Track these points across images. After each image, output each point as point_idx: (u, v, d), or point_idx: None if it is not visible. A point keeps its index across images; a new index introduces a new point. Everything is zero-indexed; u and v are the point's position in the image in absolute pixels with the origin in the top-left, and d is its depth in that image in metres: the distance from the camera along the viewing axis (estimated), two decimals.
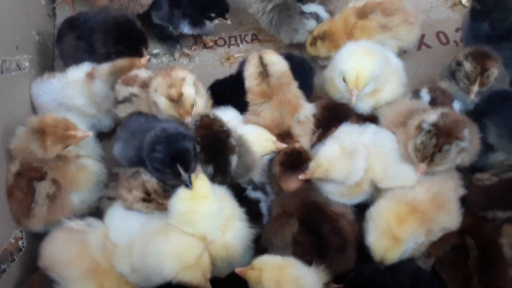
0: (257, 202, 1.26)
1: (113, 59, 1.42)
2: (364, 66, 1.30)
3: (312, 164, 1.24)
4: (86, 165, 1.25)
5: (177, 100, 1.21)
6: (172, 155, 1.12)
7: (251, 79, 1.36)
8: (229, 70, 1.71)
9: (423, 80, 1.60)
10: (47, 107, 1.37)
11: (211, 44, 1.76)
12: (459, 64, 1.35)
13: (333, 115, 1.41)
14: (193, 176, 1.13)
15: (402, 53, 1.68)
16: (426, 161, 1.18)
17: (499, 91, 1.33)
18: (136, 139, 1.19)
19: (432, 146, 1.16)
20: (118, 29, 1.49)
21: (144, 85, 1.30)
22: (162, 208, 1.16)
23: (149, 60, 1.58)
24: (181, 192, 1.13)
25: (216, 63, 1.74)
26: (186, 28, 1.65)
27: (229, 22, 1.64)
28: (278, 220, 1.22)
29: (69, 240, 1.17)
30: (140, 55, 1.46)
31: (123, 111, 1.32)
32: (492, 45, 1.37)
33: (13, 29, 1.42)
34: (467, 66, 1.32)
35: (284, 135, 1.35)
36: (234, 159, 1.20)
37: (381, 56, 1.37)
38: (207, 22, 1.64)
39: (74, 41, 1.52)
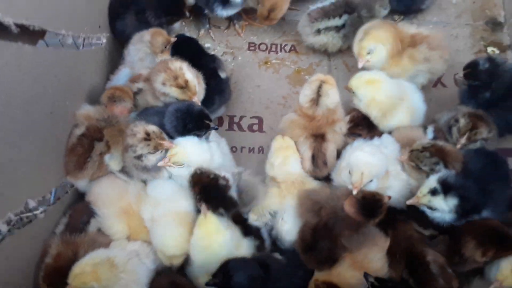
0: (258, 229, 1.49)
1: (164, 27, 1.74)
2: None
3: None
4: None
5: (185, 86, 1.50)
6: (198, 114, 1.46)
7: (304, 100, 1.58)
8: (264, 73, 1.99)
9: (430, 115, 1.76)
10: None
11: (240, 33, 2.02)
12: (456, 120, 1.56)
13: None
14: (202, 216, 1.36)
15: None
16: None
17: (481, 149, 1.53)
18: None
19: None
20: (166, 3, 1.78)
21: (147, 79, 1.57)
22: (160, 147, 1.41)
23: None
24: (197, 233, 1.35)
25: (254, 65, 2.00)
26: (219, 10, 1.84)
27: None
28: None
29: (113, 185, 1.48)
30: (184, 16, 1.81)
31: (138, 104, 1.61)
32: (486, 107, 1.59)
33: (99, 10, 1.74)
34: (462, 121, 1.54)
35: (318, 136, 1.58)
36: (233, 193, 1.41)
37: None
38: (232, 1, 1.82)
39: (134, 18, 1.76)
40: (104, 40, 1.74)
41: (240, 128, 1.87)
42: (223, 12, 1.88)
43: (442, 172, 1.43)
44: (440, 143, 1.50)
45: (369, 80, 1.58)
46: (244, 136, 1.84)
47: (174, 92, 1.52)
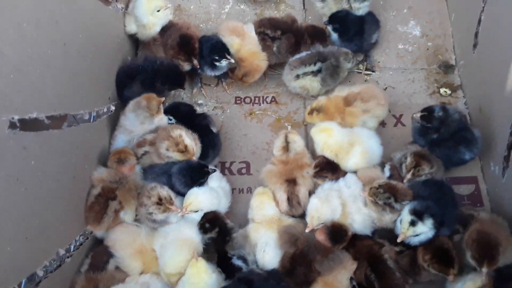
0: (240, 268, 1.77)
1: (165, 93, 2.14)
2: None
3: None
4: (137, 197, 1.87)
5: (185, 150, 1.85)
6: (198, 167, 1.88)
7: (276, 149, 1.97)
8: (250, 123, 2.32)
9: (391, 152, 2.05)
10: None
11: (227, 89, 2.37)
12: (405, 158, 1.88)
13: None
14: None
15: (380, 127, 2.21)
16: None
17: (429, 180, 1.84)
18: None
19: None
20: (172, 73, 2.15)
21: (152, 143, 1.91)
22: (169, 211, 1.77)
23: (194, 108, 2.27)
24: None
25: (241, 116, 2.32)
26: (208, 71, 2.21)
27: (232, 60, 2.14)
28: None
29: (127, 231, 1.81)
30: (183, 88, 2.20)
31: (145, 162, 1.96)
32: (434, 146, 1.92)
33: (108, 85, 2.09)
34: (408, 159, 1.86)
35: (291, 180, 1.91)
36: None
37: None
38: (217, 64, 2.17)
39: (140, 86, 2.09)
40: (113, 108, 2.10)
41: (231, 172, 2.20)
42: (212, 73, 2.25)
43: (408, 205, 1.74)
44: (394, 182, 1.80)
45: (323, 128, 1.96)
46: (234, 179, 2.16)
47: (176, 156, 1.88)
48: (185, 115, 2.06)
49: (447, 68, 2.39)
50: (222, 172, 2.19)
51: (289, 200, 1.89)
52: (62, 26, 1.60)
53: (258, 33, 2.26)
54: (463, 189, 2.06)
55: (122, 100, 2.18)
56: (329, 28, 2.29)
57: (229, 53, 2.16)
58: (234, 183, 2.14)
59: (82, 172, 1.77)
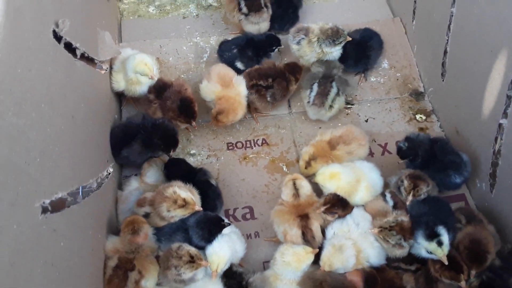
0: None
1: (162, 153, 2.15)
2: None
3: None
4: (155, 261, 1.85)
5: (185, 204, 1.85)
6: (216, 219, 1.93)
7: (287, 197, 2.01)
8: (245, 167, 2.37)
9: (385, 179, 2.17)
10: None
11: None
12: (402, 181, 2.01)
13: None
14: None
15: (369, 157, 2.35)
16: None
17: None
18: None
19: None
20: (169, 133, 2.15)
21: (151, 203, 1.89)
22: (200, 267, 1.76)
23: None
24: None
25: (236, 161, 2.37)
26: None
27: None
28: None
29: None
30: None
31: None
32: (423, 169, 2.06)
33: (105, 146, 2.07)
34: (405, 182, 1.99)
35: (303, 216, 1.96)
36: None
37: None
38: None
39: (140, 145, 2.10)
40: (111, 170, 2.07)
41: (236, 219, 2.23)
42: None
43: (419, 235, 1.83)
44: (404, 220, 1.86)
45: (331, 175, 2.03)
46: (240, 225, 2.18)
47: (179, 213, 1.88)
48: (185, 174, 2.05)
49: (417, 95, 2.60)
50: (227, 219, 2.20)
51: (304, 234, 1.94)
52: (70, 98, 1.59)
53: (252, 86, 2.34)
54: (453, 206, 2.21)
55: (119, 160, 2.16)
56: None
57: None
58: (240, 229, 2.14)
59: (97, 243, 1.73)
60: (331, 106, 2.35)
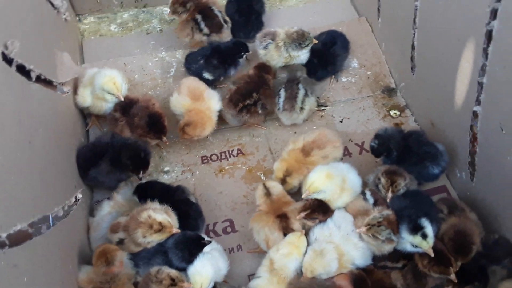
0: None
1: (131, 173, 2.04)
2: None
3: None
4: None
5: (161, 228, 1.75)
6: (195, 238, 1.81)
7: (259, 199, 1.96)
8: (222, 180, 2.30)
9: (363, 177, 2.11)
10: None
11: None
12: (379, 179, 1.97)
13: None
14: None
15: (347, 157, 2.32)
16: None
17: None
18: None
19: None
20: (139, 154, 2.05)
21: (125, 228, 1.78)
22: None
23: None
24: None
25: (212, 175, 2.29)
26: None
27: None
28: None
29: None
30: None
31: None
32: (400, 163, 2.03)
33: (71, 170, 1.97)
34: (383, 180, 1.94)
35: (282, 215, 1.92)
36: None
37: None
38: None
39: (108, 164, 1.99)
40: (81, 196, 1.96)
41: (216, 233, 2.14)
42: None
43: (404, 229, 1.78)
44: (389, 214, 1.81)
45: (327, 174, 1.93)
46: (221, 240, 2.10)
47: (156, 238, 1.78)
48: (162, 194, 1.95)
49: (389, 91, 2.58)
50: (208, 235, 2.12)
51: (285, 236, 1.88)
52: (25, 124, 1.50)
53: (241, 110, 2.27)
54: (435, 198, 2.18)
55: (87, 182, 2.07)
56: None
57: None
58: (222, 243, 2.06)
59: (68, 275, 1.62)
60: (302, 108, 2.30)
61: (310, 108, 2.35)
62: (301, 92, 2.31)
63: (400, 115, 2.48)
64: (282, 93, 2.32)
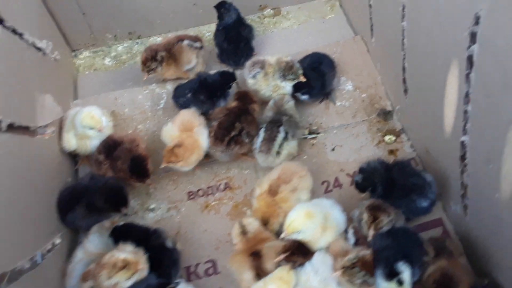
0: None
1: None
2: None
3: None
4: None
5: (125, 265, 1.69)
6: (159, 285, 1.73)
7: (236, 238, 1.92)
8: (207, 216, 2.23)
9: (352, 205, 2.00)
10: None
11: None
12: (362, 214, 1.84)
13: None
14: None
15: (338, 188, 2.19)
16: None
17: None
18: None
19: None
20: (114, 193, 2.04)
21: (94, 275, 1.73)
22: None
23: None
24: None
25: (197, 211, 2.23)
26: None
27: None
28: None
29: None
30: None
31: None
32: (386, 198, 1.88)
33: (51, 215, 1.99)
34: (365, 216, 1.81)
35: (254, 254, 1.84)
36: None
37: None
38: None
39: (84, 209, 1.99)
40: (59, 240, 1.96)
41: (198, 276, 2.06)
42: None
43: (378, 274, 1.65)
44: (365, 255, 1.69)
45: (306, 213, 1.83)
46: (202, 283, 2.02)
47: (122, 276, 1.70)
48: (138, 237, 1.89)
49: (385, 115, 2.43)
50: (188, 278, 2.05)
51: (259, 276, 1.80)
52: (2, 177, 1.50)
53: (228, 144, 2.21)
54: (431, 234, 2.01)
55: (67, 225, 2.07)
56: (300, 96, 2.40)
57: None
58: (203, 287, 2.01)
59: None
60: (278, 152, 2.18)
61: (288, 153, 2.21)
62: (280, 136, 2.18)
63: (395, 141, 2.33)
64: (262, 133, 2.21)
